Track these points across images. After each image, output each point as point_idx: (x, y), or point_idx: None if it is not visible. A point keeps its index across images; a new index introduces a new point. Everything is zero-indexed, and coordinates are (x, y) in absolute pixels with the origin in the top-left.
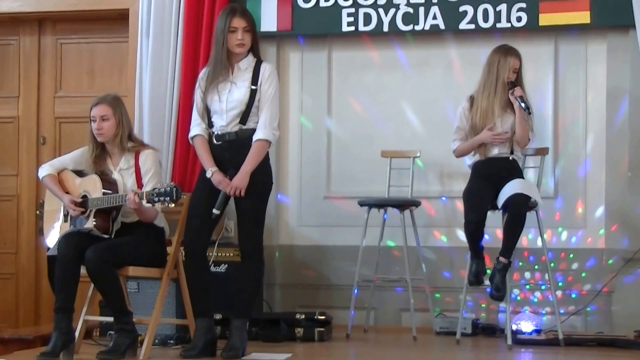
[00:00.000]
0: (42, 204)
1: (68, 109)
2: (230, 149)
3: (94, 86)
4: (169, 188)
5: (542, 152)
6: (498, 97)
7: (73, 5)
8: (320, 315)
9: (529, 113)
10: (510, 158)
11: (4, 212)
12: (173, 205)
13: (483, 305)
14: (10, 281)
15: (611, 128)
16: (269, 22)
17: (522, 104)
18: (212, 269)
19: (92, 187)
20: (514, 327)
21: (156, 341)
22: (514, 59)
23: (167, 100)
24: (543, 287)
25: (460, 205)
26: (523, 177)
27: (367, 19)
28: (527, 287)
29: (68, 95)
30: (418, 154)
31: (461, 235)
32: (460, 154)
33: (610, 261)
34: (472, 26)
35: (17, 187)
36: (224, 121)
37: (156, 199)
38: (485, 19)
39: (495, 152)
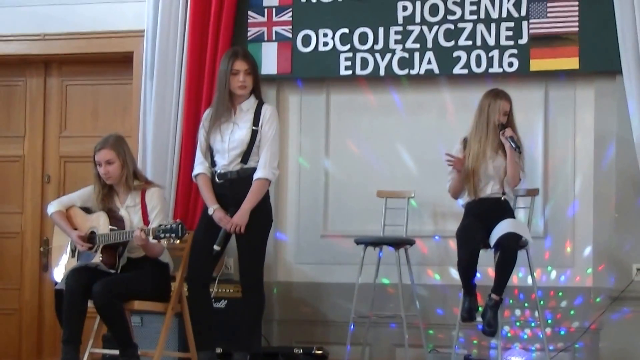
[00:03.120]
0: (46, 241)
1: (73, 148)
2: (232, 187)
3: (98, 126)
4: (174, 225)
5: (532, 193)
6: (490, 140)
7: (78, 48)
8: (318, 350)
9: (519, 152)
10: (502, 199)
11: (9, 249)
12: (178, 241)
13: (475, 341)
14: (14, 316)
15: (599, 170)
16: (269, 65)
17: (513, 144)
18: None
19: (100, 223)
20: None
21: None
22: (503, 101)
23: (169, 140)
24: (533, 324)
25: (453, 244)
26: (514, 217)
27: (364, 63)
28: (518, 324)
29: (73, 135)
30: (412, 195)
31: (454, 273)
32: (452, 191)
33: (597, 299)
34: (466, 71)
35: (22, 224)
36: (226, 160)
37: (162, 235)
38: (478, 64)
39: (487, 192)
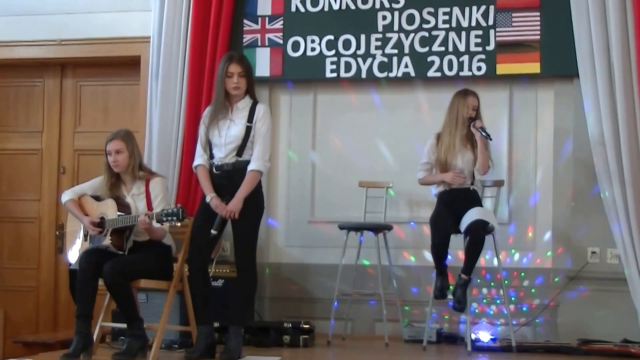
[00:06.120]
0: (61, 226)
1: (86, 142)
2: (228, 177)
3: (109, 123)
4: (176, 209)
5: (498, 184)
6: (459, 132)
7: (91, 52)
8: (305, 325)
9: (490, 139)
10: (471, 189)
11: (28, 233)
12: (179, 224)
13: (446, 316)
14: (32, 293)
15: (557, 164)
16: (262, 68)
17: (484, 133)
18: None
19: (109, 210)
20: (473, 336)
21: (163, 345)
22: (472, 97)
23: (173, 135)
24: (498, 301)
25: (426, 229)
26: (482, 206)
27: (348, 66)
28: (484, 301)
29: (86, 131)
30: (390, 185)
31: (427, 255)
32: (424, 183)
33: (556, 279)
34: (439, 74)
35: (40, 210)
36: (223, 153)
37: (164, 218)
38: (450, 68)
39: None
